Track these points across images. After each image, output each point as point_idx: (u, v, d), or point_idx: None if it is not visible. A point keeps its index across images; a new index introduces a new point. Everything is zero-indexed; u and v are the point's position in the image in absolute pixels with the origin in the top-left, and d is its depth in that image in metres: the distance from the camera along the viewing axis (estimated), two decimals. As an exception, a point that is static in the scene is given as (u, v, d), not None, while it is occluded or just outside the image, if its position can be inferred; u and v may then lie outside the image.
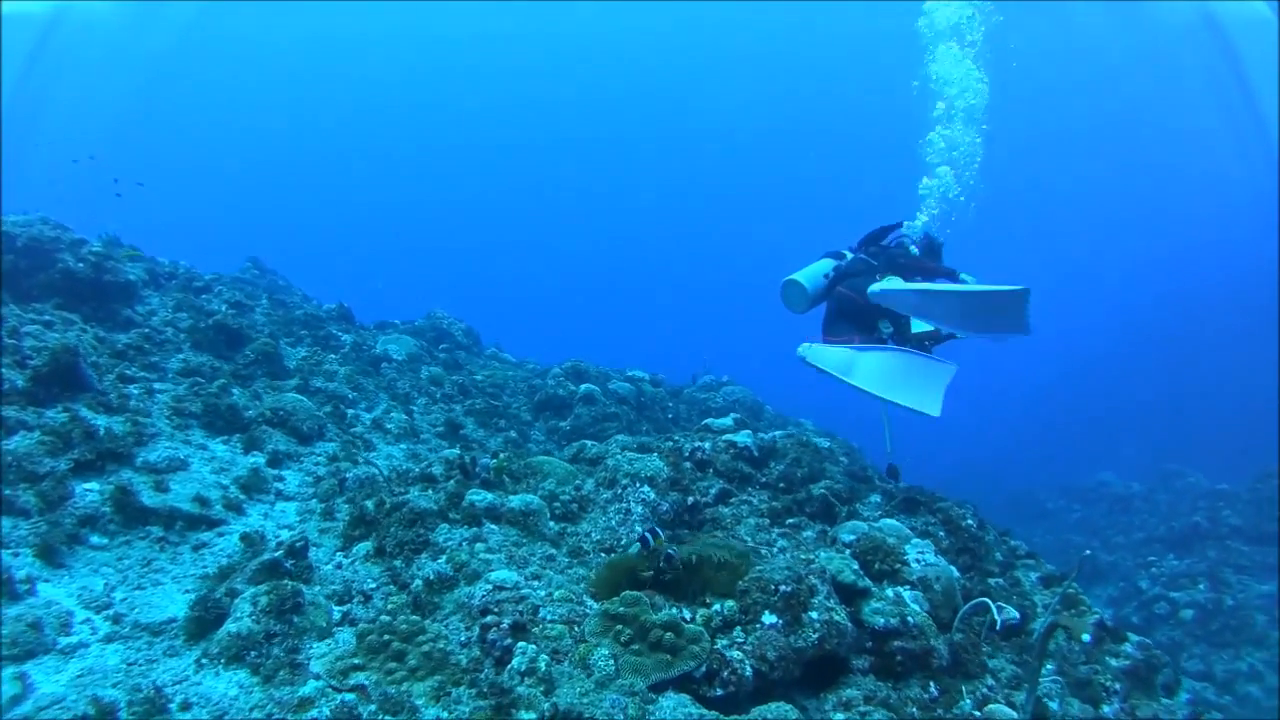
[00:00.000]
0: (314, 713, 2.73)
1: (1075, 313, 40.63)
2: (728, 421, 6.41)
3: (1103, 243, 46.12)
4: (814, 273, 5.52)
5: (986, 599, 4.03)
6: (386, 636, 3.11)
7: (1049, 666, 4.08)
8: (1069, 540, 14.27)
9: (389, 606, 3.46)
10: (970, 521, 5.14)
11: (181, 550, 4.11)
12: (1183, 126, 37.55)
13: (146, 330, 6.32)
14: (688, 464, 5.29)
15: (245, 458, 5.20)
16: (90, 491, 4.11)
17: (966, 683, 3.63)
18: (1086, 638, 4.21)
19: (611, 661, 3.04)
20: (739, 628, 3.32)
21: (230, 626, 3.18)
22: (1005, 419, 32.65)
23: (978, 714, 3.36)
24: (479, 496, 4.37)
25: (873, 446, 6.61)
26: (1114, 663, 4.30)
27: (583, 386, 8.76)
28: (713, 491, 5.11)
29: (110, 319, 6.28)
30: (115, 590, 3.65)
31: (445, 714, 2.80)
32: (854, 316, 5.35)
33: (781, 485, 5.34)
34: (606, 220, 57.79)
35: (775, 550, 4.46)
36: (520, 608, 3.31)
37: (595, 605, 3.50)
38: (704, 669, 3.10)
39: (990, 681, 3.73)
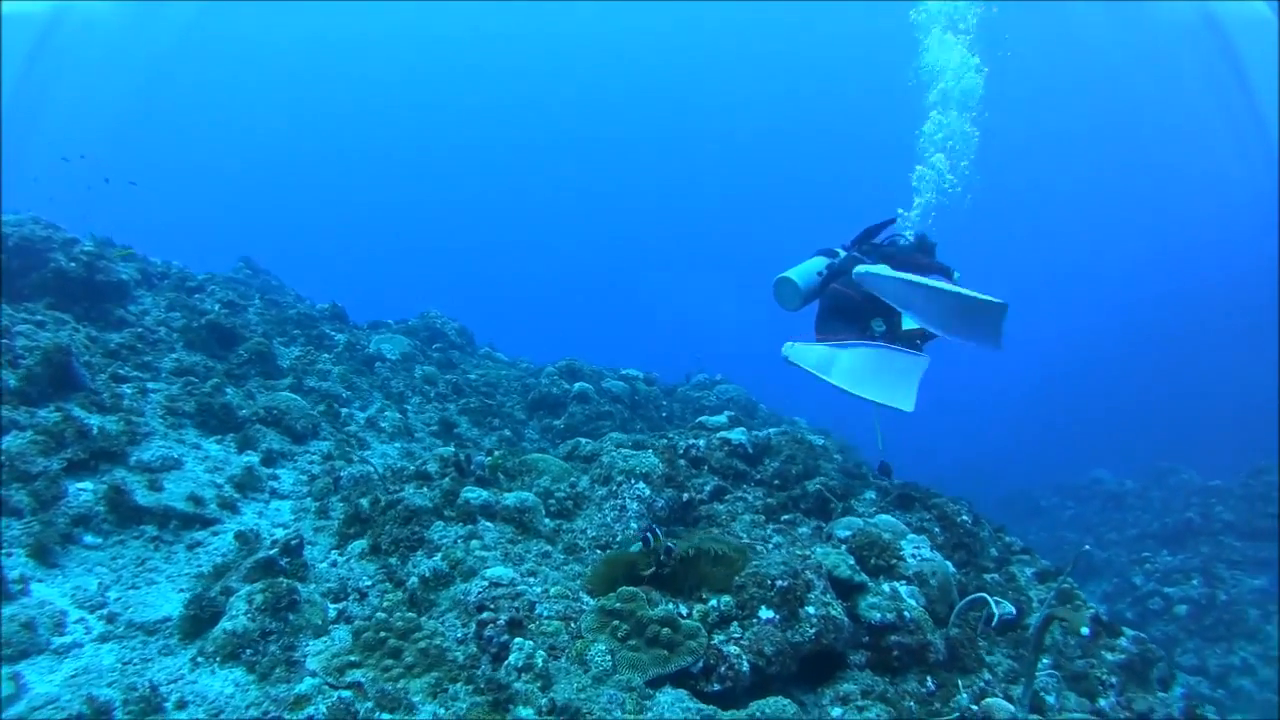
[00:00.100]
0: (310, 710, 2.72)
1: (1075, 312, 40.84)
2: (722, 419, 6.42)
3: (1102, 242, 46.19)
4: (807, 270, 5.53)
5: (984, 594, 4.04)
6: (383, 633, 3.10)
7: (1045, 660, 4.09)
8: (1063, 537, 14.31)
9: (385, 604, 3.46)
10: (965, 517, 5.15)
11: (176, 549, 4.09)
12: (1183, 126, 37.58)
13: (139, 330, 6.29)
14: (682, 461, 5.29)
15: (239, 457, 5.18)
16: (84, 491, 4.08)
17: (963, 677, 3.64)
18: (1085, 631, 4.23)
19: (608, 657, 3.04)
20: (736, 623, 3.33)
21: (225, 624, 3.17)
22: (1004, 419, 32.75)
23: (975, 708, 3.37)
24: (474, 494, 4.37)
25: (867, 444, 6.62)
26: (1110, 657, 4.32)
27: (577, 385, 8.75)
28: (708, 488, 5.11)
29: (103, 319, 6.25)
30: (109, 589, 3.62)
31: (442, 710, 2.79)
32: (847, 314, 5.36)
33: (776, 482, 5.34)
34: (601, 220, 57.70)
35: (771, 546, 4.46)
36: (516, 604, 3.30)
37: (591, 601, 3.50)
38: (701, 664, 3.10)
39: (987, 676, 3.74)
